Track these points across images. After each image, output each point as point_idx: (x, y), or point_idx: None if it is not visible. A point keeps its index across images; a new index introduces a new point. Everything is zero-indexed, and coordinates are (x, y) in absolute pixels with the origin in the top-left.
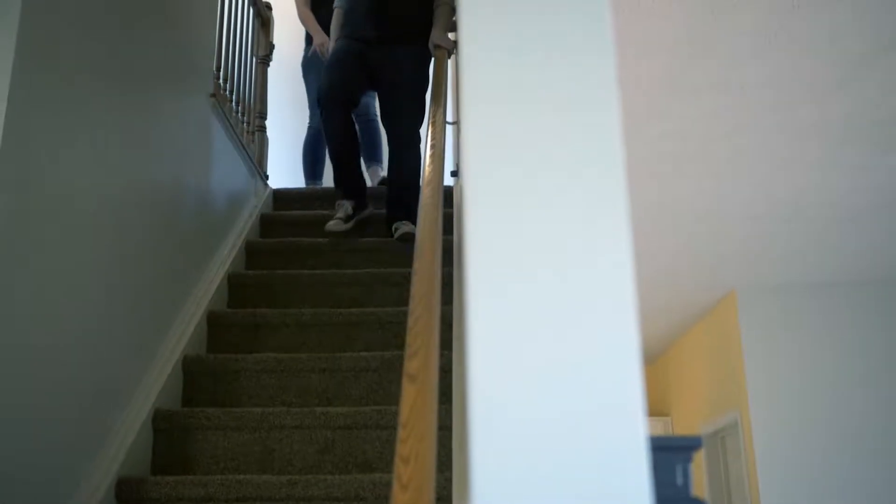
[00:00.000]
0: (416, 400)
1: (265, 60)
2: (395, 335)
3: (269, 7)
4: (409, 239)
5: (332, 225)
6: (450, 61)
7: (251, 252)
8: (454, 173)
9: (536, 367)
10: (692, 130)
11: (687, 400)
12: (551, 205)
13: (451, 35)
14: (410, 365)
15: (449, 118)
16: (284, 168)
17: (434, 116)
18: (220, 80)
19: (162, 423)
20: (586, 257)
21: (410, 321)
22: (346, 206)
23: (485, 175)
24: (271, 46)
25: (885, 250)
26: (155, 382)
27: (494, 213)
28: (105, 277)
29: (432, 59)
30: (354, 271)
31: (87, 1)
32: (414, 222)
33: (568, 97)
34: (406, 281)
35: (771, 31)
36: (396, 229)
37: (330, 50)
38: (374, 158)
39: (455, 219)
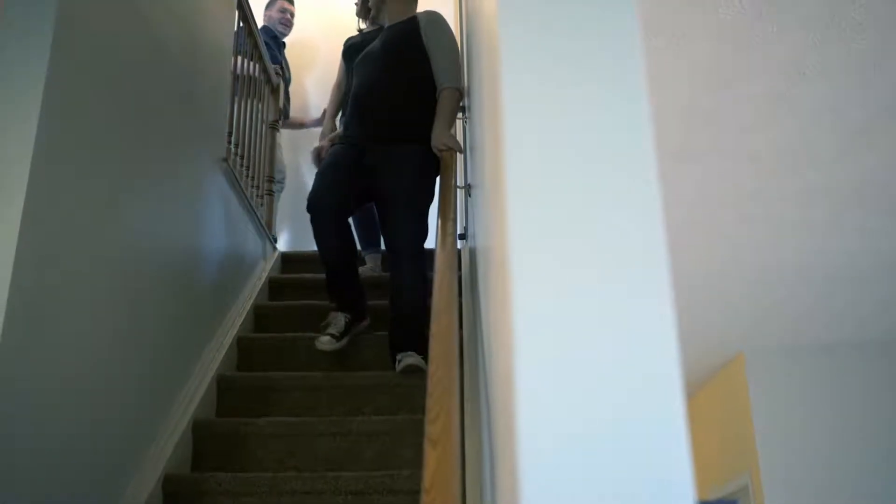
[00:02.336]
0: (439, 465)
1: (274, 125)
2: (406, 399)
3: (278, 74)
4: (415, 371)
5: (323, 343)
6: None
7: (260, 315)
8: (461, 236)
9: (582, 430)
10: (699, 196)
11: (696, 464)
12: (593, 271)
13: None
14: (432, 429)
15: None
16: (291, 231)
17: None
18: (232, 145)
19: (171, 488)
20: (629, 325)
21: (430, 385)
22: (339, 320)
23: (529, 239)
24: (280, 112)
25: (892, 311)
26: (164, 447)
27: (539, 276)
28: (118, 342)
29: (438, 161)
30: (365, 334)
31: (108, 71)
32: (422, 351)
33: (606, 180)
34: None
35: (777, 99)
36: (400, 360)
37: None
38: (371, 244)
39: (463, 281)
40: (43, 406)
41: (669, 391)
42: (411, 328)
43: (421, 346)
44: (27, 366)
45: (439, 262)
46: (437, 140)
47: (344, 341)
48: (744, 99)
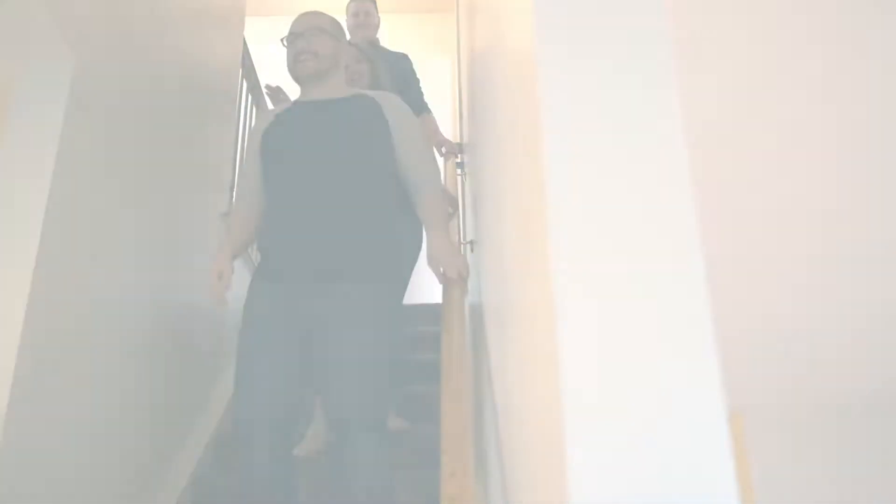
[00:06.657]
0: None
1: None
2: (417, 453)
3: None
4: None
5: None
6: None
7: None
8: None
9: (633, 490)
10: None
11: None
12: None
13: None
14: (449, 486)
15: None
16: None
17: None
18: (234, 200)
19: None
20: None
21: (444, 442)
22: None
23: (575, 298)
24: None
25: (892, 371)
26: None
27: (586, 334)
28: (120, 400)
29: (399, 299)
30: None
31: (118, 129)
32: None
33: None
34: (422, 400)
35: (778, 161)
36: None
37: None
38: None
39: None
40: (45, 461)
41: (720, 466)
42: None
43: None
44: (33, 427)
45: (449, 322)
46: (445, 261)
47: None
48: (745, 161)
